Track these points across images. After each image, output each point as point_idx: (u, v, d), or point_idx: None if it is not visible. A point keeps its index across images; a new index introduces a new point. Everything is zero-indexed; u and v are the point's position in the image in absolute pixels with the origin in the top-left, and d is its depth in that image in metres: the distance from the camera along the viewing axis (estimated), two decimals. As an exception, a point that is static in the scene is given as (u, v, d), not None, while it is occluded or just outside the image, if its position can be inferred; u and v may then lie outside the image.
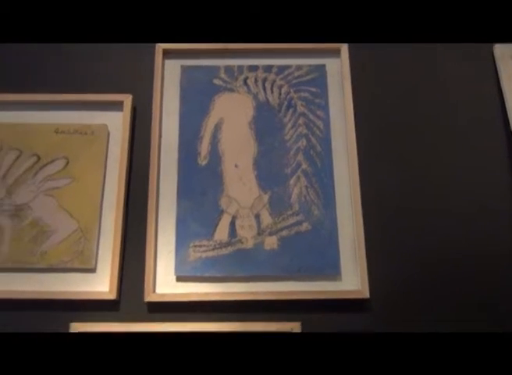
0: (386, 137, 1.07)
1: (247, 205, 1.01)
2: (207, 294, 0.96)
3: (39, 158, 1.06)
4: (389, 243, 1.00)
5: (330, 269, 0.96)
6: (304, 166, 1.04)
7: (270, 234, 0.99)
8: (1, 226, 1.01)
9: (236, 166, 1.04)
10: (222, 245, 0.99)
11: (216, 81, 1.10)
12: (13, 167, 1.05)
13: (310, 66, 1.11)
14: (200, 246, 0.99)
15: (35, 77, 1.13)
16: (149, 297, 0.95)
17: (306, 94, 1.09)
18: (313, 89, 1.09)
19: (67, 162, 1.05)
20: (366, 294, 0.95)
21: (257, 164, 1.04)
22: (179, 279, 0.98)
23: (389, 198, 1.03)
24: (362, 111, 1.09)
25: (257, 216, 1.00)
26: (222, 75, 1.11)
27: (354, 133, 1.05)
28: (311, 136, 1.05)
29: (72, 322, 0.96)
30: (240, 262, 0.98)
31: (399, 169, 1.05)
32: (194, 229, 1.00)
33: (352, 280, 0.97)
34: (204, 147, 1.05)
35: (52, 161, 1.06)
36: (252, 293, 0.96)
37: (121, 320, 0.96)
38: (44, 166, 1.05)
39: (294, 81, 1.10)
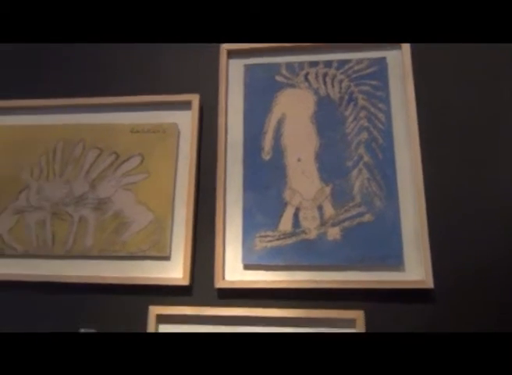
0: (449, 128, 1.09)
1: (310, 197, 1.07)
2: (272, 281, 1.03)
3: (118, 155, 1.18)
4: (453, 234, 1.01)
5: (393, 259, 1.00)
6: (366, 158, 1.07)
7: (333, 225, 1.04)
8: (86, 218, 1.14)
9: (298, 159, 1.10)
10: (286, 236, 1.05)
11: (278, 78, 1.17)
12: (95, 164, 1.18)
13: (370, 59, 1.14)
14: (266, 236, 1.06)
15: (109, 81, 1.26)
16: (219, 283, 1.04)
17: (367, 88, 1.12)
18: (374, 82, 1.12)
19: (142, 159, 1.16)
20: (430, 285, 0.97)
21: (319, 157, 1.09)
22: (247, 267, 1.06)
23: (453, 189, 1.04)
24: (424, 103, 1.10)
25: (320, 208, 1.06)
26: (284, 71, 1.17)
27: (417, 125, 1.07)
28: (372, 129, 1.09)
29: (150, 305, 1.05)
30: (303, 252, 1.04)
31: (462, 160, 1.06)
32: (260, 220, 1.07)
33: (416, 270, 0.99)
34: (268, 142, 1.12)
35: (129, 158, 1.17)
36: (315, 281, 1.01)
37: (193, 304, 1.04)
38: (123, 162, 1.17)
39: (355, 75, 1.14)
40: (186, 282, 1.04)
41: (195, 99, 1.16)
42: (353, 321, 0.98)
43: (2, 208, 1.17)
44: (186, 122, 1.16)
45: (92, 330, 1.06)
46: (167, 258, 1.08)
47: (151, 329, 1.02)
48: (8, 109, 1.25)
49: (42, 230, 1.14)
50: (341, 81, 1.12)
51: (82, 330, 1.07)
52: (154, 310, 1.04)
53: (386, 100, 1.10)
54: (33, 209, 1.16)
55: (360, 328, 0.96)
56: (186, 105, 1.17)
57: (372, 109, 1.09)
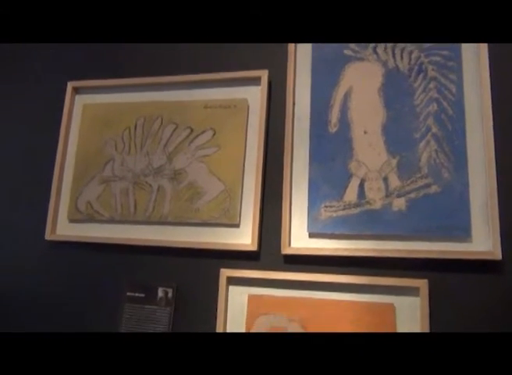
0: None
1: (376, 168, 1.13)
2: (336, 249, 1.11)
3: (192, 130, 1.32)
4: None
5: (460, 230, 1.04)
6: (434, 129, 1.11)
7: (398, 196, 1.10)
8: (164, 187, 1.29)
9: (365, 132, 1.17)
10: (351, 206, 1.13)
11: (346, 52, 1.23)
12: (172, 138, 1.33)
13: (442, 29, 1.16)
14: (331, 206, 1.14)
15: (184, 60, 1.39)
16: (285, 250, 1.14)
17: (437, 58, 1.15)
18: (445, 52, 1.15)
19: (214, 133, 1.29)
20: (498, 256, 1.00)
21: (386, 130, 1.15)
22: (312, 235, 1.15)
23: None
24: (498, 72, 1.11)
25: (386, 179, 1.12)
26: (352, 45, 1.23)
27: (490, 96, 1.08)
28: (442, 100, 1.12)
29: (221, 268, 1.18)
30: (368, 222, 1.11)
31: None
32: (325, 191, 1.15)
33: (483, 241, 1.03)
34: (334, 115, 1.20)
35: (202, 132, 1.30)
36: (379, 250, 1.08)
37: (261, 269, 1.16)
38: (196, 136, 1.30)
39: (425, 46, 1.17)
40: (254, 248, 1.15)
41: (264, 75, 1.26)
42: (417, 289, 1.04)
43: (90, 178, 1.35)
44: (255, 97, 1.26)
45: (170, 289, 1.21)
46: (237, 225, 1.19)
47: (222, 290, 1.15)
48: (94, 88, 1.43)
49: (125, 198, 1.31)
50: (411, 52, 1.16)
51: (161, 289, 1.21)
52: (225, 273, 1.16)
53: (458, 70, 1.12)
54: (118, 179, 1.33)
55: (423, 297, 1.02)
56: (256, 81, 1.27)
57: (443, 80, 1.12)
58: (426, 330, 1.00)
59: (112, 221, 1.29)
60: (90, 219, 1.30)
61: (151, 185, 1.27)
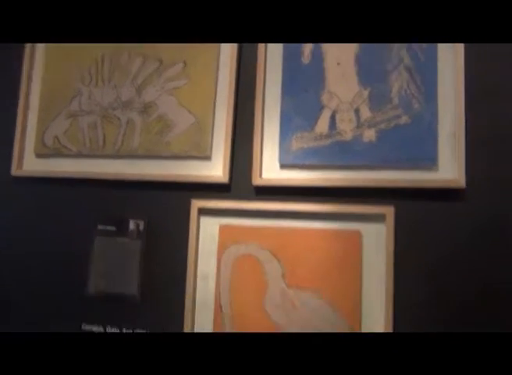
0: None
1: (348, 100, 1.14)
2: (307, 180, 1.13)
3: (161, 62, 1.29)
4: (490, 137, 1.07)
5: (427, 160, 1.07)
6: (406, 60, 1.12)
7: (369, 127, 1.12)
8: (133, 120, 1.28)
9: (338, 63, 1.16)
10: (322, 137, 1.14)
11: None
12: (141, 70, 1.30)
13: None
14: (302, 137, 1.15)
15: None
16: (256, 181, 1.16)
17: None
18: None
19: (185, 65, 1.26)
20: (462, 184, 1.04)
21: (359, 61, 1.15)
22: (283, 166, 1.16)
23: (495, 92, 1.08)
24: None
25: (357, 111, 1.13)
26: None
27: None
28: (415, 30, 1.12)
29: (192, 199, 1.19)
30: (338, 153, 1.13)
31: (506, 63, 1.08)
32: (297, 122, 1.16)
33: (449, 170, 1.06)
34: (307, 46, 1.19)
35: (172, 64, 1.27)
36: (349, 180, 1.11)
37: (232, 199, 1.17)
38: (166, 69, 1.28)
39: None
40: (225, 180, 1.16)
41: (236, 3, 1.22)
42: (383, 216, 1.07)
43: (57, 113, 1.32)
44: (227, 27, 1.23)
45: (141, 221, 1.22)
46: (208, 158, 1.20)
47: (193, 220, 1.16)
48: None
49: (94, 132, 1.29)
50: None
51: (132, 221, 1.22)
52: (196, 204, 1.17)
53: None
54: (85, 113, 1.30)
55: (389, 224, 1.06)
56: (228, 10, 1.23)
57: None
58: (391, 255, 1.06)
59: (80, 156, 1.27)
60: (58, 153, 1.28)
61: (119, 118, 1.25)
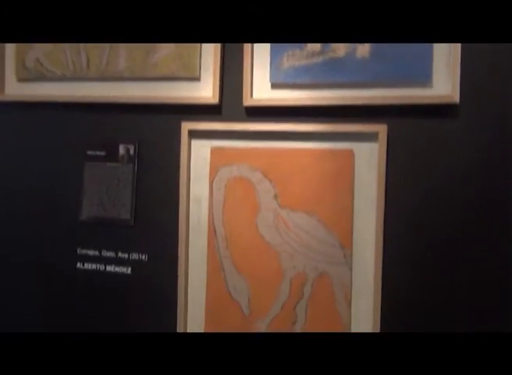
0: None
1: (341, 13, 1.09)
2: (298, 99, 1.11)
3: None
4: (485, 52, 1.05)
5: (422, 76, 1.05)
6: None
7: (362, 43, 1.08)
8: None
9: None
10: (314, 54, 1.11)
11: None
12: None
13: None
14: (294, 55, 1.12)
15: None
16: (247, 101, 1.14)
17: None
18: None
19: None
20: (456, 99, 1.03)
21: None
22: (274, 86, 1.14)
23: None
24: None
25: None
26: None
27: None
28: None
29: (182, 122, 1.17)
30: (331, 70, 1.10)
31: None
32: (288, 39, 1.12)
33: (443, 86, 1.05)
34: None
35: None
36: (341, 98, 1.09)
37: (223, 121, 1.16)
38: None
39: None
40: (215, 101, 1.14)
41: None
42: (376, 135, 1.07)
43: (36, 33, 1.26)
44: None
45: (132, 145, 1.20)
46: (197, 78, 1.17)
47: (183, 143, 1.16)
48: None
49: (77, 54, 1.24)
50: None
51: (122, 146, 1.21)
52: (186, 126, 1.16)
53: None
54: (66, 33, 1.24)
55: (382, 142, 1.06)
56: None
57: None
58: (382, 174, 1.08)
59: (64, 79, 1.25)
60: (41, 77, 1.25)
61: (103, 38, 1.19)
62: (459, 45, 1.01)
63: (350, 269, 1.08)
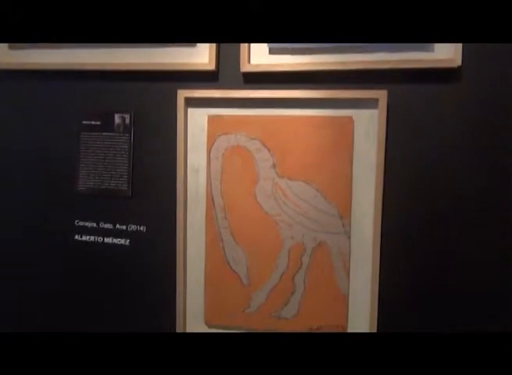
0: None
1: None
2: (297, 64, 1.09)
3: None
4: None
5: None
6: None
7: None
8: None
9: None
10: (313, 18, 1.08)
11: None
12: None
13: None
14: (292, 19, 1.09)
15: None
16: (245, 67, 1.12)
17: None
18: None
19: None
20: (458, 62, 1.01)
21: None
22: (272, 51, 1.12)
23: None
24: None
25: None
26: None
27: None
28: None
29: (178, 89, 1.15)
30: (330, 35, 1.07)
31: None
32: (287, 2, 1.09)
33: (445, 50, 1.03)
34: None
35: None
36: (341, 63, 1.07)
37: (220, 88, 1.14)
38: None
39: None
40: (212, 67, 1.12)
41: None
42: (376, 101, 1.05)
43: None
44: None
45: (127, 115, 1.19)
46: (193, 44, 1.14)
47: (180, 111, 1.14)
48: None
49: (69, 19, 1.21)
50: None
51: (117, 115, 1.20)
52: (183, 94, 1.14)
53: None
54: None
55: (382, 108, 1.04)
56: None
57: None
58: (382, 141, 1.08)
59: (57, 45, 1.21)
60: (33, 44, 1.22)
61: (96, 3, 1.17)
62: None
63: (349, 238, 1.08)
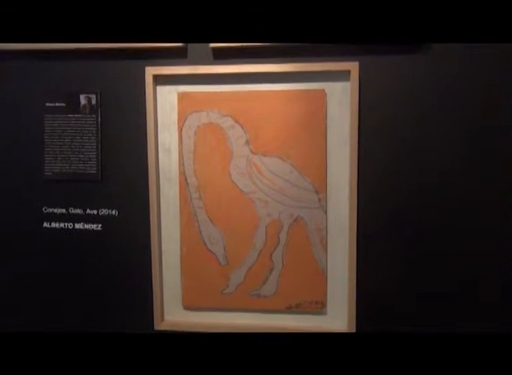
0: None
1: None
2: (268, 38, 1.13)
3: None
4: None
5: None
6: None
7: None
8: None
9: None
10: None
11: None
12: None
13: None
14: (261, -9, 1.13)
15: None
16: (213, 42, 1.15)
17: None
18: None
19: None
20: (428, 32, 1.07)
21: None
22: (241, 25, 1.15)
23: None
24: None
25: None
26: None
27: None
28: None
29: (146, 66, 1.18)
30: (300, 6, 1.12)
31: None
32: (254, -27, 1.13)
33: (415, 19, 1.08)
34: None
35: None
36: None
37: (189, 64, 1.18)
38: None
39: None
40: (180, 43, 1.15)
41: None
42: (348, 73, 1.11)
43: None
44: None
45: (93, 95, 1.21)
46: (159, 20, 1.16)
47: (148, 89, 1.17)
48: None
49: (27, -4, 1.22)
50: None
51: (83, 96, 1.22)
52: (151, 71, 1.17)
53: None
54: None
55: (354, 80, 1.10)
56: None
57: None
58: (355, 114, 1.12)
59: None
60: None
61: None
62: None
63: (325, 213, 1.14)
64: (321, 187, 1.11)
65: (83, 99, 1.20)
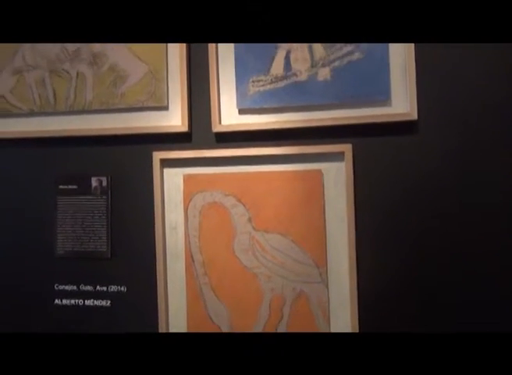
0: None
1: (301, 39, 1.30)
2: (266, 123, 1.30)
3: (107, 8, 1.42)
4: (441, 68, 1.25)
5: (381, 95, 1.23)
6: (357, -5, 1.28)
7: (323, 66, 1.29)
8: (83, 73, 1.42)
9: (289, 1, 1.32)
10: (278, 79, 1.31)
11: None
12: (86, 19, 1.43)
13: None
14: (259, 81, 1.32)
15: None
16: (216, 128, 1.33)
17: None
18: None
19: (132, 10, 1.40)
20: (414, 116, 1.24)
21: (310, -3, 1.30)
22: (241, 111, 1.33)
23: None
24: None
25: (311, 49, 1.31)
26: None
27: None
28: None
29: (153, 151, 1.37)
30: (295, 94, 1.30)
31: None
32: (252, 65, 1.32)
33: (401, 104, 1.24)
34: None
35: (119, 10, 1.40)
36: (306, 120, 1.28)
37: (194, 148, 1.36)
38: (113, 15, 1.41)
39: None
40: (185, 128, 1.33)
41: None
42: (342, 154, 1.27)
43: (0, 70, 1.45)
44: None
45: (104, 178, 1.40)
46: (165, 107, 1.35)
47: (156, 172, 1.34)
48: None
49: (43, 88, 1.43)
50: None
51: (94, 179, 1.40)
52: (158, 155, 1.34)
53: None
54: (31, 68, 1.43)
55: (348, 161, 1.27)
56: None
57: None
58: (351, 192, 1.26)
59: (31, 114, 1.41)
60: (8, 113, 1.42)
61: (68, 72, 1.38)
62: (413, 63, 1.22)
63: (327, 287, 1.27)
64: (321, 262, 1.25)
65: (94, 182, 1.37)
